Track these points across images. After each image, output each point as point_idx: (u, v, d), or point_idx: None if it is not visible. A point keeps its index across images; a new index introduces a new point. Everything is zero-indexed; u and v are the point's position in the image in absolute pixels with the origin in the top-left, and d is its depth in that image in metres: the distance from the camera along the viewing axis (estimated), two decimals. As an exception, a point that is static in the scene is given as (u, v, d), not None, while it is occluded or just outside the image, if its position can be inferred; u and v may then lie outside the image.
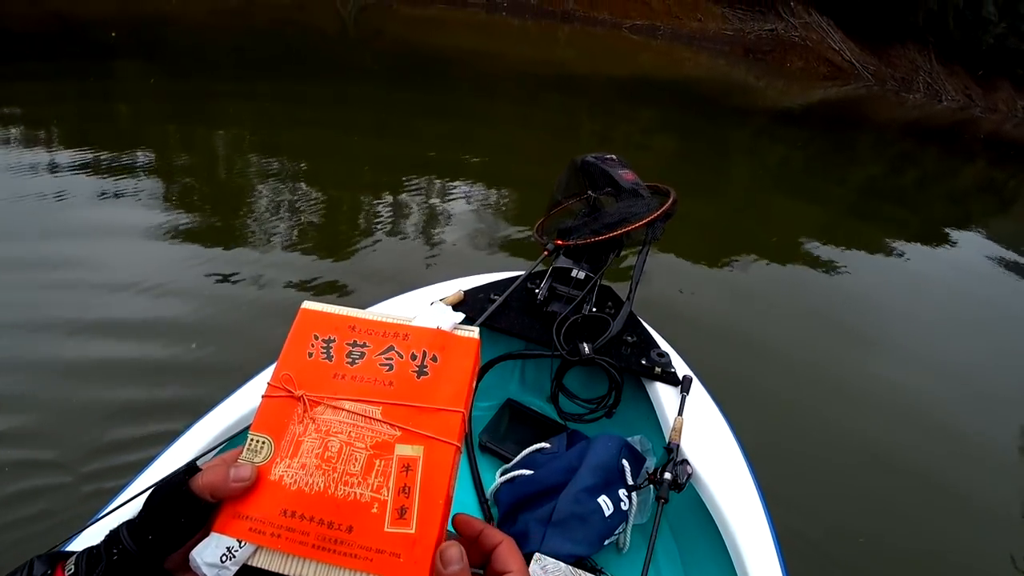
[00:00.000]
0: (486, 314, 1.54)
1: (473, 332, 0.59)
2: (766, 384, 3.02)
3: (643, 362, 1.58)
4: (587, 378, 1.69)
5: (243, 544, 0.47)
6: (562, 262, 1.67)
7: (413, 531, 0.48)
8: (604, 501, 1.47)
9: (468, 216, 4.16)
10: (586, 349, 1.51)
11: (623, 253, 1.71)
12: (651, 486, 1.44)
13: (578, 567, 1.33)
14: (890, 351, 3.72)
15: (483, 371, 1.64)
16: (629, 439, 1.56)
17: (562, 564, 1.32)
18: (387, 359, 0.56)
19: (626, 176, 1.62)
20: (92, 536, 0.98)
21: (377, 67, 9.23)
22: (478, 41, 14.84)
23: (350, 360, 0.56)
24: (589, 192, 1.64)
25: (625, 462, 1.52)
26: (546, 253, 1.65)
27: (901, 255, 5.84)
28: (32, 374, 2.32)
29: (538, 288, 1.65)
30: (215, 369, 2.41)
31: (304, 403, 0.53)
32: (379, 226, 3.89)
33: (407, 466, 0.50)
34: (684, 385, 1.55)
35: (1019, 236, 8.41)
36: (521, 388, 1.90)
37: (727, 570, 1.27)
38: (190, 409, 1.36)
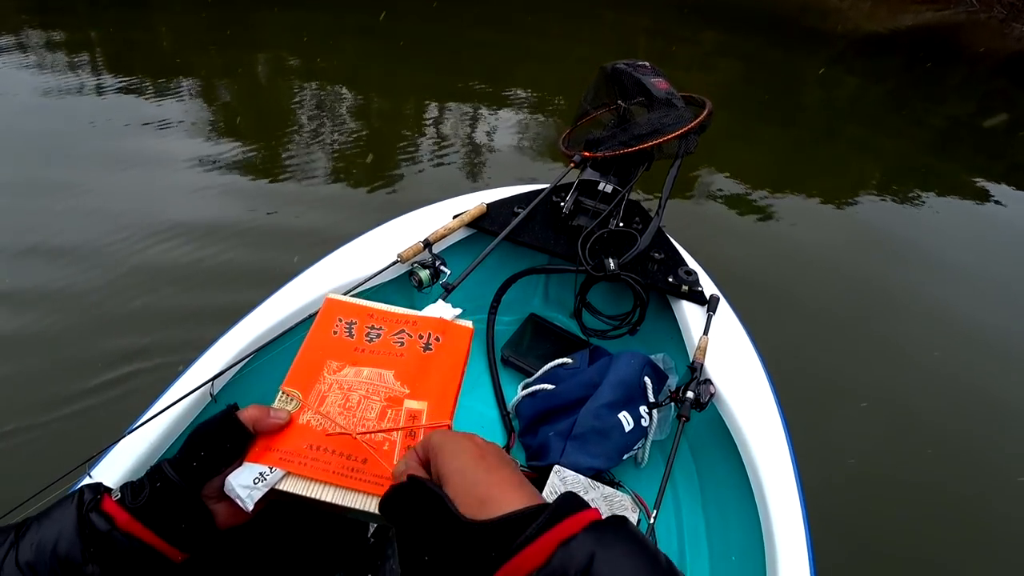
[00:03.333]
0: (509, 227, 1.51)
1: (467, 323, 0.72)
2: (806, 312, 2.91)
3: (670, 279, 1.54)
4: (612, 294, 1.66)
5: (272, 470, 0.55)
6: (589, 175, 1.61)
7: None
8: (624, 417, 1.47)
9: (515, 129, 4.09)
10: (611, 265, 1.48)
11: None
12: (672, 404, 1.43)
13: (597, 480, 1.35)
14: (950, 292, 3.51)
15: (507, 285, 1.64)
16: (652, 357, 1.55)
17: (581, 476, 1.34)
18: (399, 338, 0.70)
19: (659, 85, 1.53)
20: (125, 448, 1.05)
21: None
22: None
23: (368, 339, 0.69)
24: (619, 101, 1.55)
25: (647, 379, 1.51)
26: (572, 165, 1.60)
27: (976, 200, 5.43)
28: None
29: (563, 201, 1.61)
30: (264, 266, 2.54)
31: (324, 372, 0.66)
32: (425, 137, 3.88)
33: (414, 416, 0.62)
34: (711, 304, 1.51)
35: None
36: (544, 303, 1.89)
37: (744, 490, 1.26)
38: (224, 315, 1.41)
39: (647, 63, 1.68)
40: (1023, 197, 5.82)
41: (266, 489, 0.54)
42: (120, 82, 4.12)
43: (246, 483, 0.53)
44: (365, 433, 0.59)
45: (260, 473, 0.54)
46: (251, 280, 2.41)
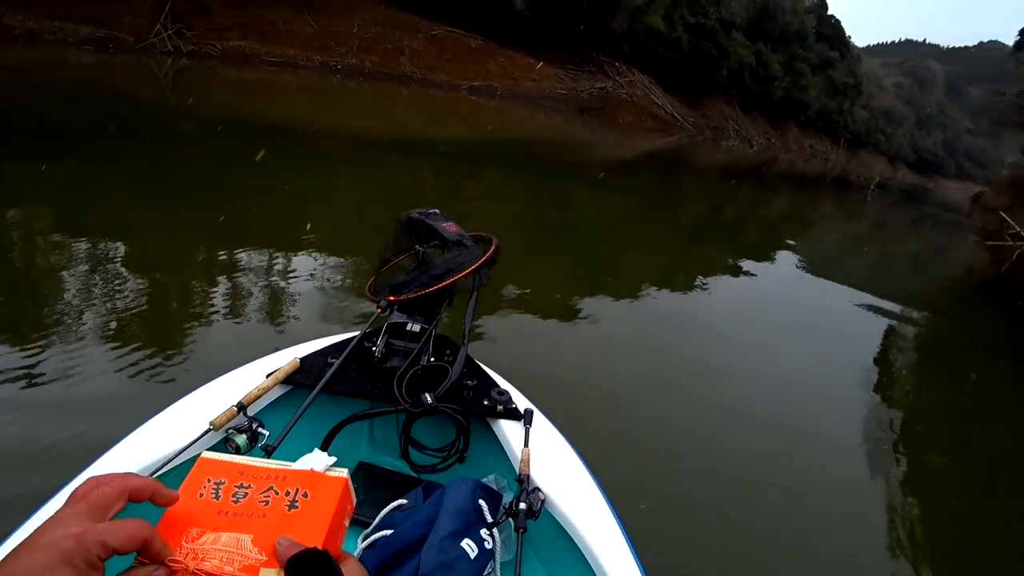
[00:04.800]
0: (324, 379, 1.52)
1: (342, 472, 0.68)
2: (608, 405, 3.25)
3: (485, 402, 1.64)
4: (435, 427, 1.71)
5: None
6: (396, 317, 1.70)
7: None
8: (468, 544, 1.48)
9: (309, 288, 3.99)
10: (428, 399, 1.54)
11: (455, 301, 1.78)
12: (509, 519, 1.49)
13: (453, 615, 1.33)
14: (722, 358, 4.26)
15: (330, 436, 1.62)
16: (484, 479, 1.60)
17: (437, 618, 1.31)
18: (265, 497, 0.64)
19: (450, 228, 1.72)
20: None
21: (202, 135, 8.74)
22: (312, 105, 14.77)
23: (235, 499, 0.64)
24: (417, 247, 1.71)
25: (482, 502, 1.55)
26: (380, 310, 1.68)
27: (728, 277, 6.76)
28: None
29: (375, 346, 1.67)
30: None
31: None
32: (212, 306, 3.60)
33: None
34: (526, 418, 1.62)
35: (817, 248, 10.97)
36: (371, 449, 1.88)
37: None
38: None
39: (437, 210, 1.87)
40: (762, 266, 7.48)
41: None
42: None
43: None
44: None
45: None
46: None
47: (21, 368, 2.68)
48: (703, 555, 2.34)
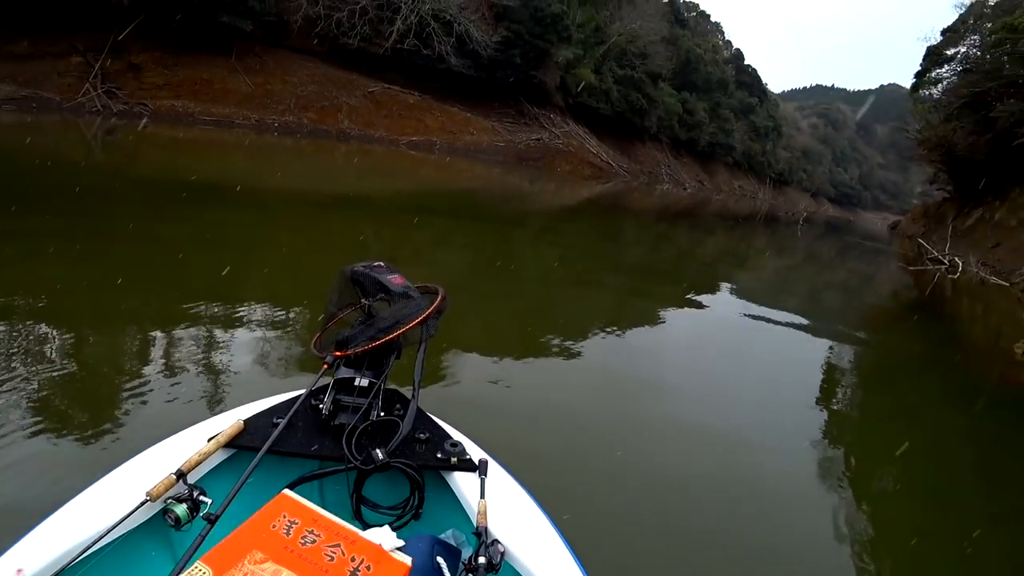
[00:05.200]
0: (270, 440, 1.47)
1: (406, 559, 0.76)
2: (561, 446, 3.22)
3: (438, 455, 1.61)
4: (388, 484, 1.66)
5: None
6: (343, 372, 1.67)
7: None
8: (427, 606, 1.43)
9: (253, 346, 3.83)
10: (379, 455, 1.50)
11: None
12: (470, 575, 1.44)
13: None
14: (674, 387, 4.44)
15: None
16: (442, 535, 1.56)
17: None
18: (332, 551, 0.71)
19: (395, 280, 1.71)
20: None
21: (134, 194, 8.47)
22: (250, 163, 14.64)
23: (303, 542, 0.72)
24: (363, 300, 1.69)
25: (440, 559, 1.50)
26: (326, 366, 1.65)
27: (674, 310, 7.02)
28: None
29: (322, 403, 1.63)
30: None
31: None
32: (148, 368, 3.35)
33: None
34: (481, 468, 1.60)
35: (756, 279, 11.52)
36: (323, 510, 1.81)
37: None
38: None
39: (382, 262, 1.87)
40: (706, 299, 7.84)
41: None
42: None
43: None
44: None
45: None
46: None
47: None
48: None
